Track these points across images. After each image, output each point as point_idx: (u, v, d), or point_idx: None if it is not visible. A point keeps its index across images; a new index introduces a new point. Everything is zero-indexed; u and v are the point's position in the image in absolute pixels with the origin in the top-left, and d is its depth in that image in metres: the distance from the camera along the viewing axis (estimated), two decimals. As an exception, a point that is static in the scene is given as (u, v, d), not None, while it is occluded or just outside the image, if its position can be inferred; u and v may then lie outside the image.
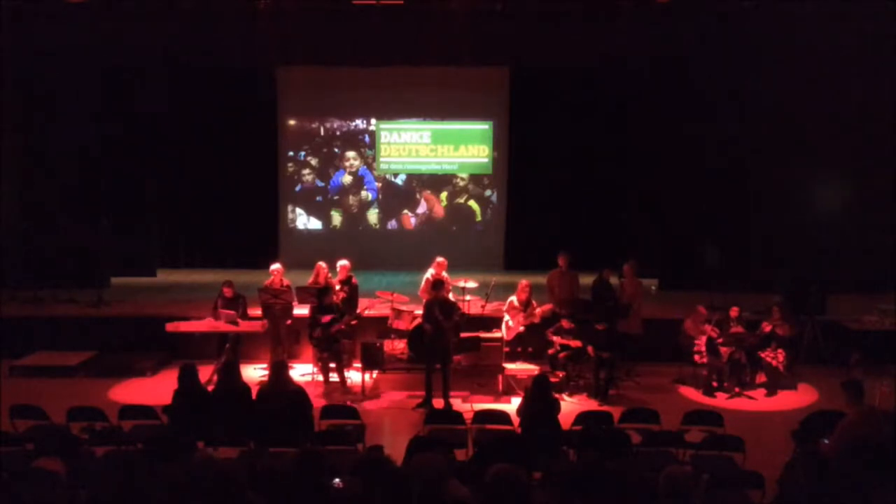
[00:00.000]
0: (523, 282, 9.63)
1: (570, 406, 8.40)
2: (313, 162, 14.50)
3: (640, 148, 13.18)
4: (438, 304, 8.51)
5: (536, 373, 8.15)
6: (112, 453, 5.99)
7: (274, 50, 12.76)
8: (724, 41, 12.17)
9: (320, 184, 14.54)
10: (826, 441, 5.63)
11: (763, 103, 12.33)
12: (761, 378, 9.38)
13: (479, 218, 14.62)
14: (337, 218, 14.61)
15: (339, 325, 9.23)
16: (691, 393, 9.25)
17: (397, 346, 9.50)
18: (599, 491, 3.99)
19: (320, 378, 9.30)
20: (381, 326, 9.99)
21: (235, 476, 3.75)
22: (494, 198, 14.53)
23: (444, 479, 3.86)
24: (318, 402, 6.87)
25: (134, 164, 13.29)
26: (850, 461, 4.93)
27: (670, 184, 12.83)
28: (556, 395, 7.29)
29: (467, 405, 8.40)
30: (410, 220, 14.65)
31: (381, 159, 14.39)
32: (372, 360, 9.07)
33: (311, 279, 9.84)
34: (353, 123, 14.43)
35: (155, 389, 8.79)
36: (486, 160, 14.35)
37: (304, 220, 14.62)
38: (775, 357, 9.18)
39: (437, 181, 14.54)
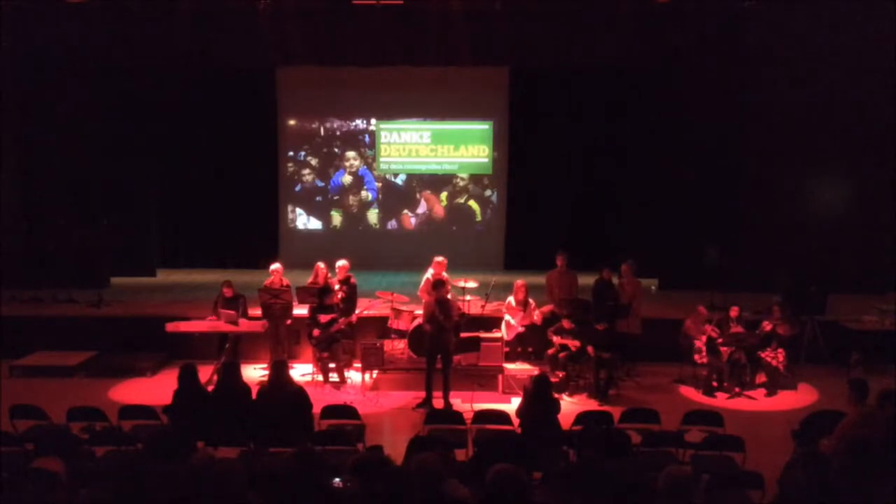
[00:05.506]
0: (519, 282, 9.68)
1: (570, 406, 8.40)
2: (313, 162, 14.49)
3: (639, 148, 13.17)
4: (438, 304, 8.52)
5: (536, 373, 8.16)
6: (112, 453, 6.01)
7: (274, 50, 12.77)
8: (724, 41, 12.18)
9: (320, 184, 14.53)
10: (826, 441, 5.62)
11: (763, 103, 12.33)
12: (761, 378, 9.38)
13: (479, 218, 14.61)
14: (337, 218, 14.61)
15: (339, 325, 9.26)
16: (691, 393, 9.26)
17: (397, 346, 9.52)
18: (599, 491, 3.99)
19: (320, 378, 9.31)
20: (381, 326, 10.01)
21: (235, 476, 3.75)
22: (494, 198, 14.52)
23: (444, 479, 3.86)
24: (318, 402, 6.85)
25: (134, 164, 13.26)
26: (850, 461, 4.93)
27: (670, 184, 12.82)
28: (556, 395, 7.29)
29: (467, 405, 8.40)
30: (410, 220, 14.64)
31: (381, 159, 14.38)
32: (372, 360, 9.08)
33: (310, 279, 9.86)
34: (353, 123, 14.42)
35: (155, 389, 8.79)
36: (486, 160, 14.34)
37: (304, 220, 14.61)
38: (775, 357, 9.18)
39: (437, 181, 14.53)
